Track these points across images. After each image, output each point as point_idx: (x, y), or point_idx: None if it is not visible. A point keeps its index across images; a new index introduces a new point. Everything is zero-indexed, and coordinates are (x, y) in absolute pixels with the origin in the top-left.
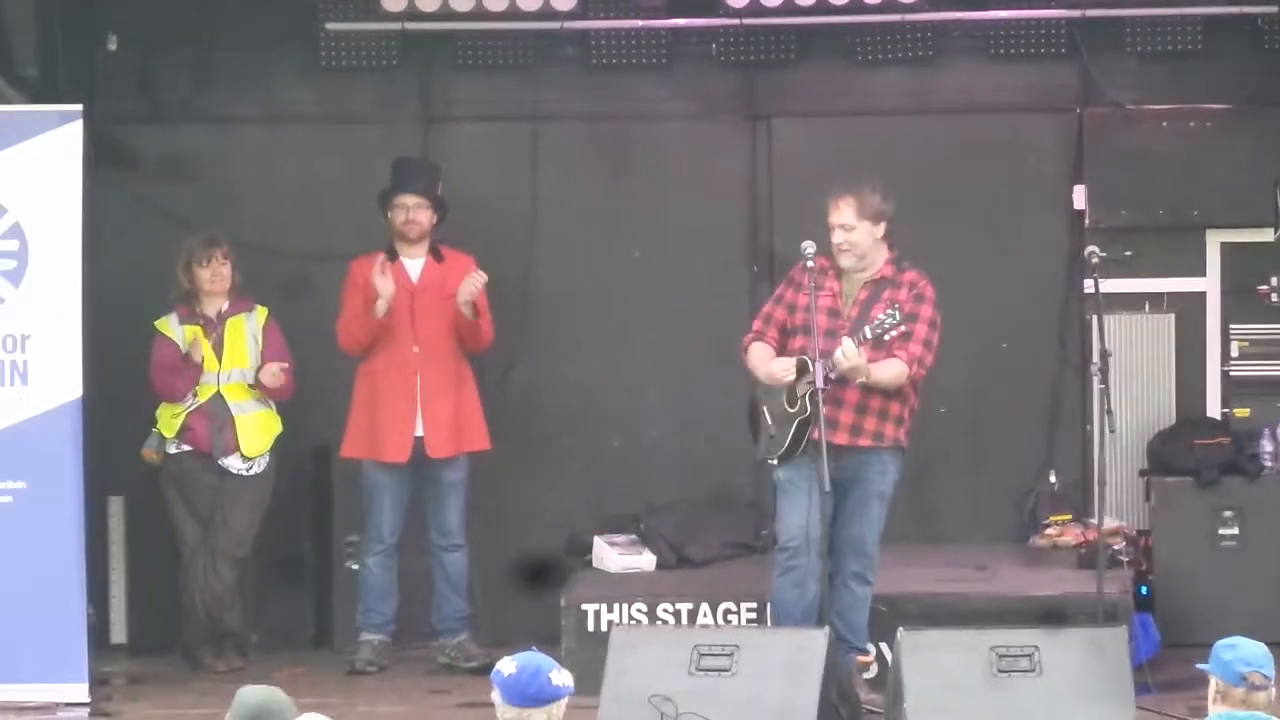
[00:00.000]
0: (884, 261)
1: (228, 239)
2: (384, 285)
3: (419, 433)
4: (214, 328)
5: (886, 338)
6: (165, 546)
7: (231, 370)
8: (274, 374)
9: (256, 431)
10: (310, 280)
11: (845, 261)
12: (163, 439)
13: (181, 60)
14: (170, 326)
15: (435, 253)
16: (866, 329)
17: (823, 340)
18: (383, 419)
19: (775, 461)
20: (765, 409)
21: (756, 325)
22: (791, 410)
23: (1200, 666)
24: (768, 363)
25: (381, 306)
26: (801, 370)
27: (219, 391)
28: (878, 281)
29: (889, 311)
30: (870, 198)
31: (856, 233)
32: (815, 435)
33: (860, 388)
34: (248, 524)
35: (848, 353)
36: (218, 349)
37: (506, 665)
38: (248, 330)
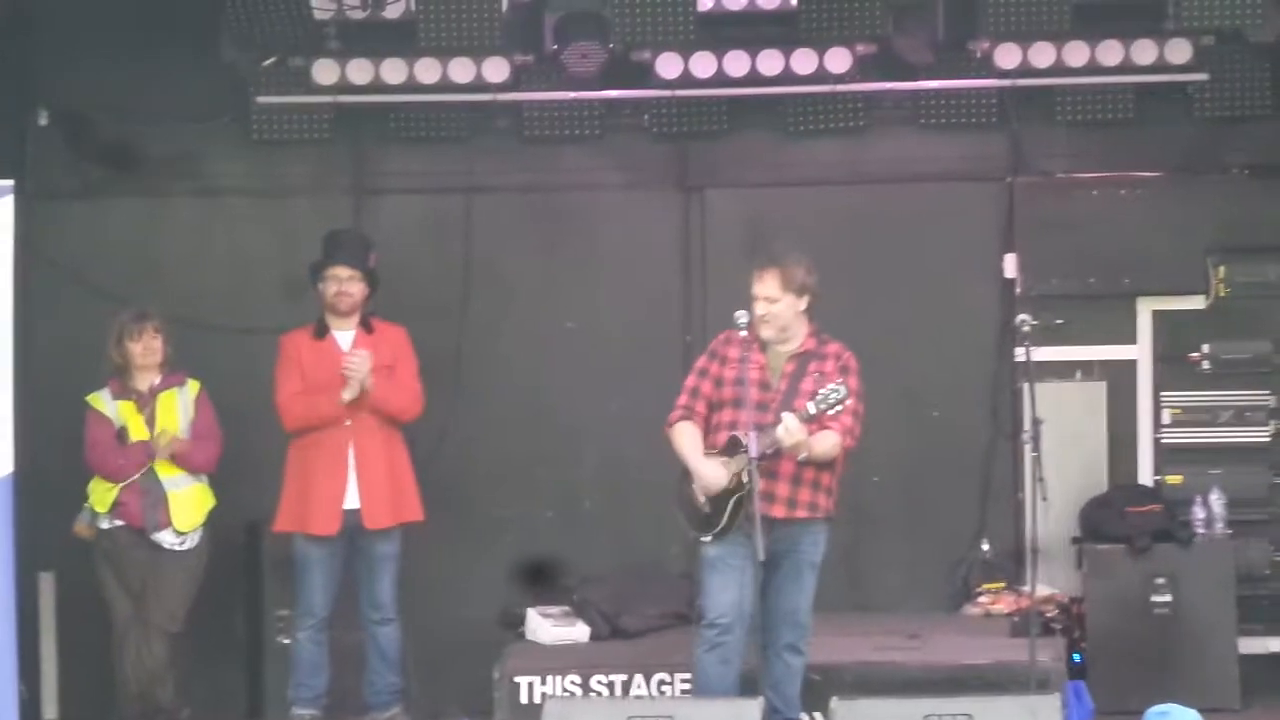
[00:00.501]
0: (806, 334)
1: (158, 313)
2: (357, 375)
3: (353, 505)
4: (145, 402)
5: (831, 412)
6: (97, 622)
7: (166, 449)
8: (164, 444)
9: (189, 506)
10: (240, 353)
11: (766, 333)
12: (95, 514)
13: (112, 133)
14: (103, 402)
15: (366, 325)
16: (810, 405)
17: (755, 415)
18: (314, 492)
19: (709, 539)
20: (695, 490)
21: (682, 400)
22: (728, 488)
23: None
24: (699, 462)
25: (349, 396)
26: (734, 447)
27: (152, 467)
28: (802, 355)
29: (834, 386)
30: (795, 270)
31: (779, 305)
32: (753, 509)
33: (797, 461)
34: (181, 599)
35: (791, 429)
36: (150, 424)
37: None
38: (179, 404)
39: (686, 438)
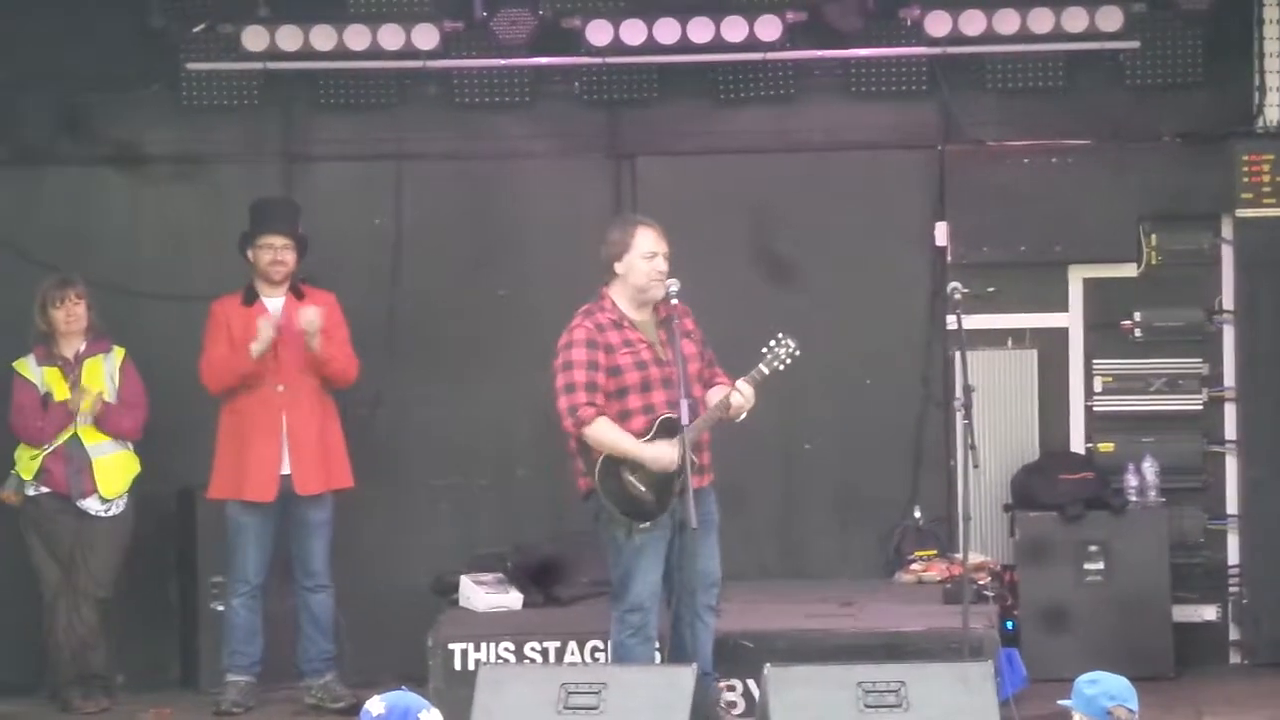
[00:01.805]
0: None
1: (82, 279)
2: (265, 333)
3: (285, 471)
4: (71, 368)
5: (782, 368)
6: (27, 587)
7: (88, 412)
8: (85, 406)
9: (114, 473)
10: (171, 320)
11: (660, 291)
12: (21, 481)
13: (42, 100)
14: (28, 368)
15: (296, 291)
16: (762, 366)
17: (662, 391)
18: (248, 458)
19: (648, 525)
20: (634, 479)
21: (582, 398)
22: (673, 471)
23: (1061, 703)
24: (645, 447)
25: (257, 349)
26: (667, 428)
27: (76, 434)
28: (664, 319)
29: (777, 341)
30: None
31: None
32: (688, 482)
33: (710, 429)
34: (108, 565)
35: (747, 394)
36: (74, 389)
37: (375, 705)
38: (105, 371)
39: (613, 430)
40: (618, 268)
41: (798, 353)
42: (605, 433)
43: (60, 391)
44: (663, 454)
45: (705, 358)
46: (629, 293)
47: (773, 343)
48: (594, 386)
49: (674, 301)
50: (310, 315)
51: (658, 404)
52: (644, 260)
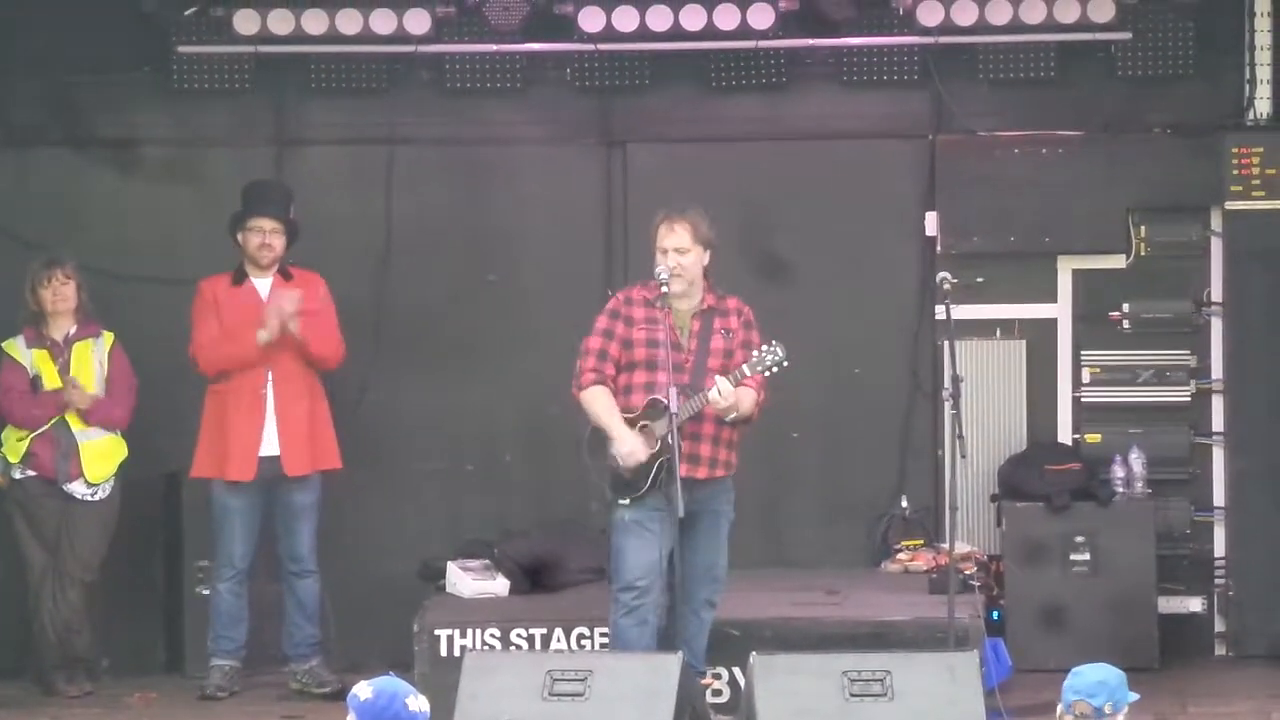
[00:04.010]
0: (705, 290)
1: (72, 260)
2: (274, 323)
3: (272, 451)
4: (60, 351)
5: (768, 375)
6: (12, 570)
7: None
8: (76, 398)
9: (101, 457)
10: (161, 304)
11: (676, 287)
12: (7, 464)
13: (33, 83)
14: (17, 349)
15: (284, 272)
16: (745, 366)
17: (669, 375)
18: (232, 437)
19: (628, 502)
20: (614, 452)
21: (590, 364)
22: (652, 451)
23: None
24: (622, 431)
25: (264, 338)
26: (654, 409)
27: (63, 417)
28: (706, 311)
29: (769, 349)
30: (701, 222)
31: (689, 257)
32: (675, 468)
33: (717, 422)
34: (94, 549)
35: (724, 391)
36: (64, 373)
37: (363, 690)
38: (94, 355)
39: (603, 403)
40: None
41: (785, 363)
42: (595, 401)
43: (49, 374)
44: (630, 447)
45: (733, 359)
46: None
47: (764, 348)
48: (604, 355)
49: (663, 289)
50: (288, 297)
51: (660, 385)
52: (659, 254)
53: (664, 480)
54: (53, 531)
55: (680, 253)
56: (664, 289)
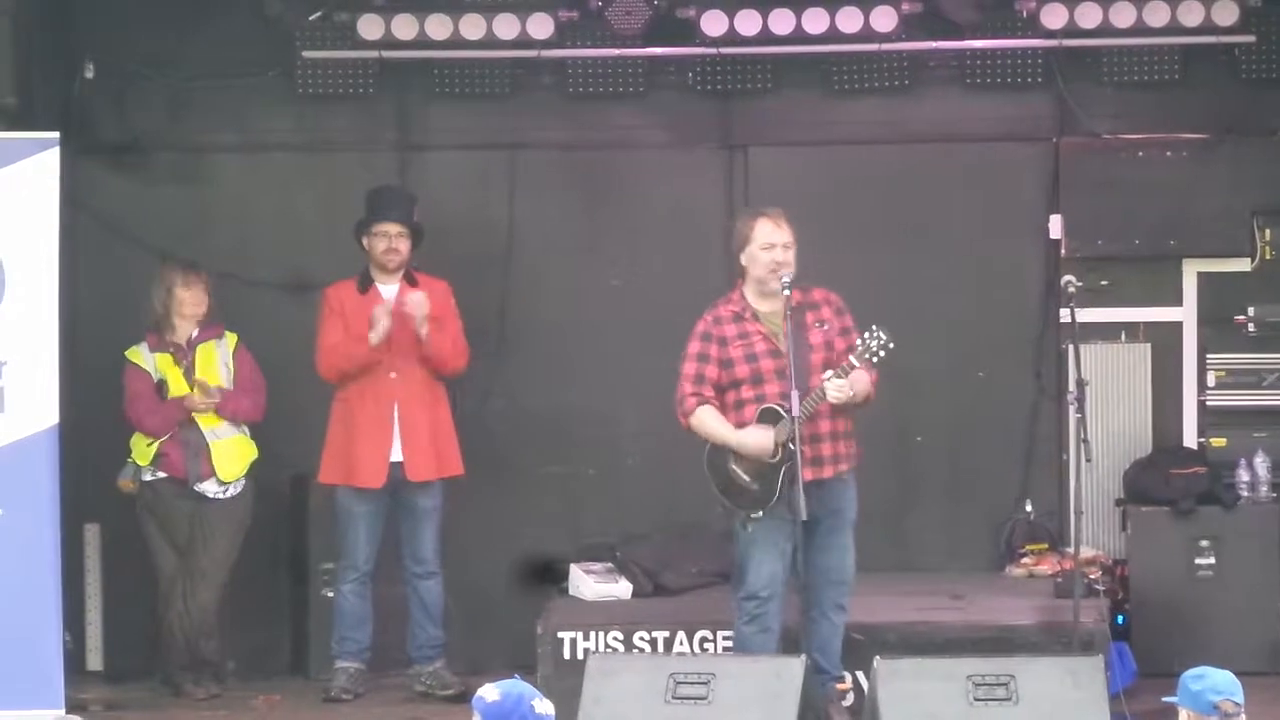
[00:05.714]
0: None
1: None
2: (382, 321)
3: (396, 458)
4: (184, 355)
5: (875, 361)
6: (142, 573)
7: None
8: (201, 397)
9: (231, 457)
10: (286, 308)
11: (783, 280)
12: (138, 468)
13: (158, 88)
14: (141, 355)
15: (410, 279)
16: (853, 358)
17: (776, 383)
18: (359, 444)
19: (761, 514)
20: (738, 469)
21: (689, 389)
22: (774, 461)
23: (1168, 699)
24: (743, 435)
25: (375, 338)
26: (769, 418)
27: (193, 417)
28: (796, 309)
29: (872, 334)
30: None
31: (792, 252)
32: (798, 472)
33: (831, 415)
34: (228, 548)
35: (835, 385)
36: (188, 376)
37: (489, 692)
38: (219, 356)
39: (712, 419)
40: (742, 259)
41: (891, 345)
42: (705, 422)
43: (174, 377)
44: (757, 438)
45: (836, 349)
46: (752, 284)
47: (866, 335)
48: (701, 378)
49: (785, 294)
50: (416, 300)
51: (770, 395)
52: (763, 251)
53: (787, 486)
54: (185, 533)
55: (787, 247)
56: (785, 292)
